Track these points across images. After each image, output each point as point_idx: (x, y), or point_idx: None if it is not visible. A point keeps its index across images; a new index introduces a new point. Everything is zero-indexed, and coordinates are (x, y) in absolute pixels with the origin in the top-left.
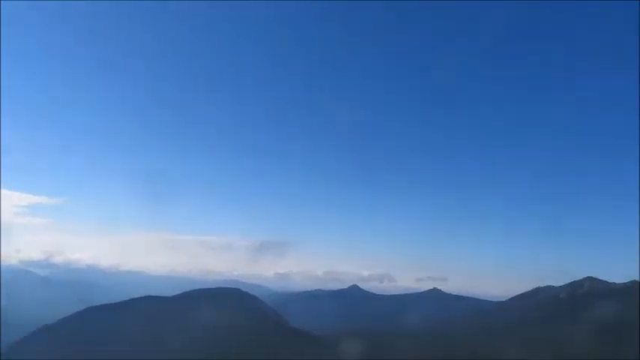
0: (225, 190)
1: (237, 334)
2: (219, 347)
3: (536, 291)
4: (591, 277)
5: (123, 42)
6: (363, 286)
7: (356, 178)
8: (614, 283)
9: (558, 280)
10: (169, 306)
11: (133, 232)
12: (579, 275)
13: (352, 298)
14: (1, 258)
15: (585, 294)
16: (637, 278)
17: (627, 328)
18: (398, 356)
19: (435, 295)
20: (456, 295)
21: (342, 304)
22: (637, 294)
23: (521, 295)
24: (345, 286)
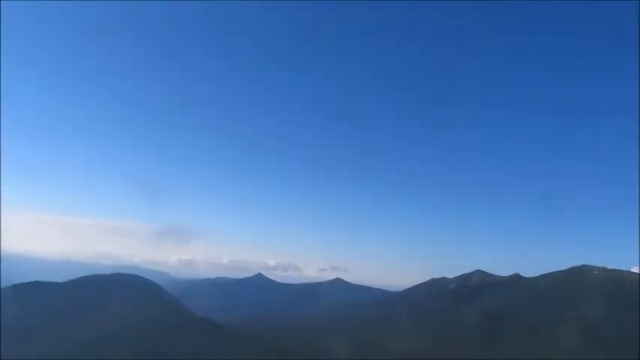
0: (128, 173)
1: (132, 322)
2: (113, 336)
3: (431, 282)
4: (480, 270)
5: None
6: (268, 274)
7: (260, 168)
8: (499, 276)
9: (452, 272)
10: (58, 293)
11: (22, 212)
12: (471, 268)
13: (256, 286)
14: None
15: (474, 285)
16: (519, 272)
17: (509, 316)
18: (298, 344)
19: (338, 284)
20: (357, 285)
21: (246, 292)
22: (517, 285)
23: (417, 285)
24: (250, 274)
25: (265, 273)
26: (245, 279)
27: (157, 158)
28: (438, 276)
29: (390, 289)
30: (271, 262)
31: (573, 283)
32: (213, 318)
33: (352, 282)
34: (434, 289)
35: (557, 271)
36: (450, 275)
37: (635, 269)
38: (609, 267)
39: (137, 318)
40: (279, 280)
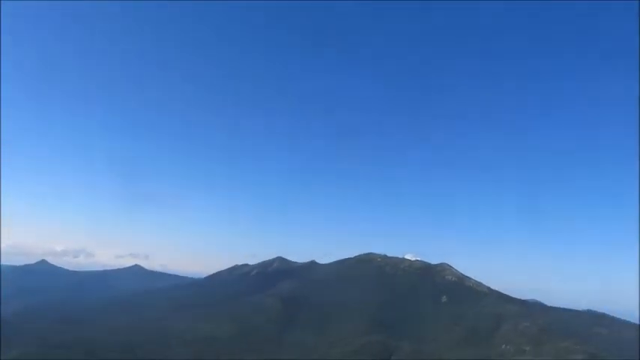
0: None
1: None
2: None
3: (234, 268)
4: (281, 257)
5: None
6: (54, 261)
7: (44, 144)
8: (298, 263)
9: (254, 259)
10: None
11: None
12: (272, 255)
13: (39, 273)
14: None
15: (274, 271)
16: (315, 259)
17: (305, 300)
18: (84, 336)
19: (135, 271)
20: (158, 272)
21: (26, 280)
22: (313, 271)
23: (220, 272)
24: (32, 261)
25: (51, 259)
26: (27, 266)
27: None
28: (240, 263)
29: (192, 276)
30: (58, 248)
31: (359, 269)
32: None
33: (153, 269)
34: (236, 275)
35: (348, 258)
36: (252, 262)
37: (408, 256)
38: (389, 254)
39: None
40: (68, 266)
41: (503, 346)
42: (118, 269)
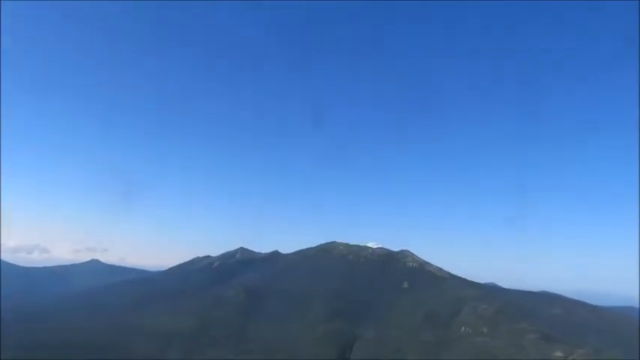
0: None
1: None
2: None
3: (196, 260)
4: (243, 248)
5: None
6: (6, 257)
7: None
8: (260, 253)
9: (216, 250)
10: None
11: None
12: (234, 246)
13: None
14: None
15: (236, 262)
16: (277, 248)
17: (267, 291)
18: (39, 333)
19: (93, 266)
20: (117, 266)
21: None
22: (276, 262)
23: (181, 264)
24: None
25: (3, 256)
26: None
27: None
28: (202, 254)
29: (153, 269)
30: (11, 244)
31: (322, 258)
32: None
33: (111, 263)
34: (197, 267)
35: (310, 247)
36: (215, 253)
37: (370, 244)
38: (351, 242)
39: None
40: (22, 263)
41: (463, 328)
42: (75, 264)
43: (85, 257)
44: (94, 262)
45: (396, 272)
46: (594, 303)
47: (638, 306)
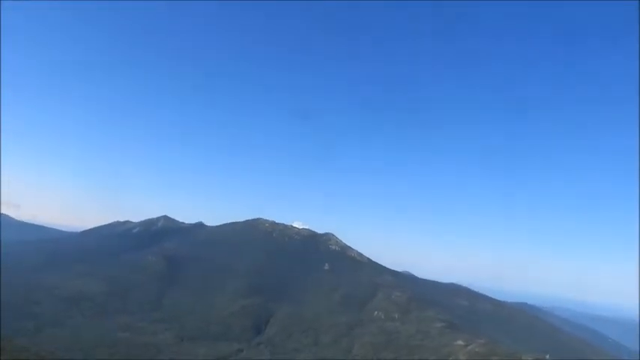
0: None
1: None
2: None
3: (115, 224)
4: (166, 216)
5: None
6: None
7: None
8: (184, 223)
9: (138, 216)
10: None
11: None
12: (157, 214)
13: None
14: None
15: (158, 230)
16: (202, 220)
17: (188, 261)
18: None
19: (3, 221)
20: (28, 223)
21: None
22: (200, 233)
23: (99, 227)
24: None
25: None
26: None
27: None
28: (122, 219)
29: (67, 230)
30: None
31: (247, 234)
32: None
33: (23, 220)
34: (116, 231)
35: (236, 222)
36: (136, 219)
37: (296, 224)
38: (277, 221)
39: None
40: None
41: (376, 312)
42: None
43: None
44: (4, 217)
45: (318, 254)
46: (498, 298)
47: (530, 302)
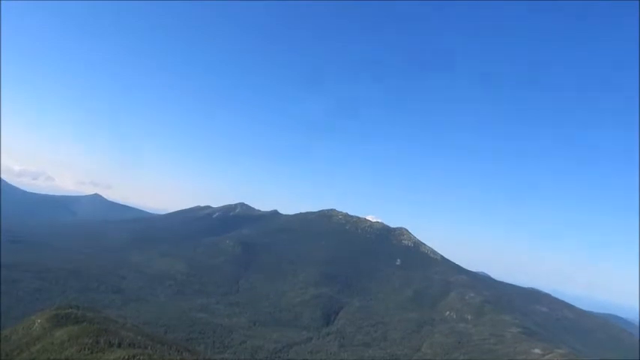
0: None
1: None
2: None
3: (196, 209)
4: (243, 204)
5: None
6: (10, 180)
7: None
8: (260, 211)
9: (217, 202)
10: None
11: None
12: (235, 201)
13: None
14: None
15: (236, 216)
16: (277, 208)
17: (262, 247)
18: (30, 256)
19: (96, 200)
20: (118, 204)
21: None
22: (274, 221)
23: (182, 210)
24: None
25: (7, 179)
26: None
27: None
28: (203, 204)
29: (153, 212)
30: (16, 167)
31: (321, 224)
32: None
33: (114, 200)
34: (197, 215)
35: (310, 212)
36: (215, 205)
37: (370, 217)
38: (351, 213)
39: None
40: (25, 187)
41: (447, 312)
42: (78, 196)
43: (88, 191)
44: (97, 197)
45: (390, 248)
46: (586, 308)
47: (619, 314)
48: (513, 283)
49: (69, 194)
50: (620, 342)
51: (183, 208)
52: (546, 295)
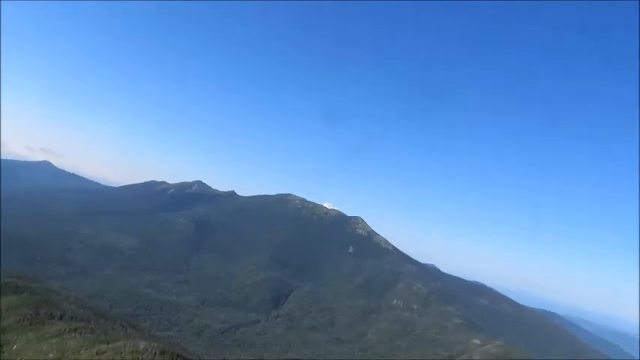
0: None
1: None
2: None
3: (151, 183)
4: (201, 182)
5: None
6: None
7: None
8: (217, 190)
9: (174, 178)
10: None
11: None
12: (192, 178)
13: None
14: None
15: (192, 194)
16: (234, 189)
17: (216, 226)
18: None
19: (45, 167)
20: (69, 172)
21: None
22: (231, 201)
23: (135, 184)
24: None
25: None
26: None
27: None
28: (159, 179)
29: (106, 184)
30: None
31: (277, 208)
32: None
33: (64, 169)
34: (152, 190)
35: (268, 195)
36: (171, 181)
37: (326, 204)
38: (308, 199)
39: None
40: None
41: (395, 301)
42: (27, 162)
43: (37, 157)
44: (46, 164)
45: (344, 236)
46: (524, 303)
47: (555, 310)
48: (459, 276)
49: (17, 159)
50: (553, 336)
51: (138, 181)
52: (489, 289)
